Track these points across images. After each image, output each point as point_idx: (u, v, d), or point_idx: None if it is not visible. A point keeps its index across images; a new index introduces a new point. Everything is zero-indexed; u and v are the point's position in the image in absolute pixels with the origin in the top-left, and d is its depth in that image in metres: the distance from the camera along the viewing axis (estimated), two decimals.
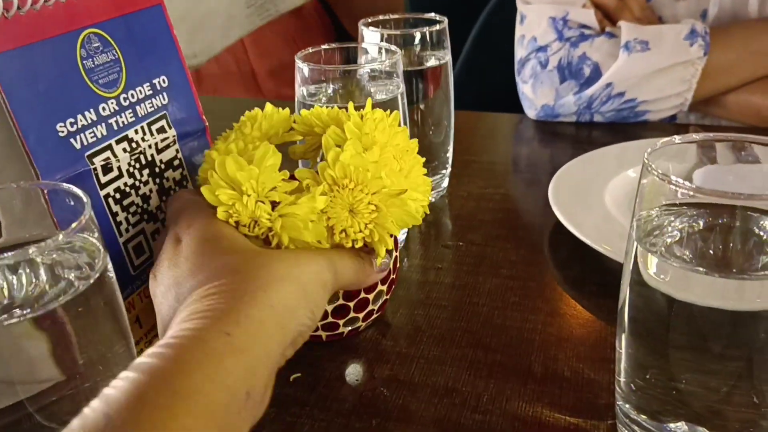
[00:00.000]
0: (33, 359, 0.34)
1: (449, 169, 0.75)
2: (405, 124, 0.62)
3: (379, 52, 0.63)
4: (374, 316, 0.52)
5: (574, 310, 0.55)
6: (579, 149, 0.78)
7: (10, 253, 0.31)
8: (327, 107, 0.46)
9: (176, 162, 0.49)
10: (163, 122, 0.48)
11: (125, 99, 0.45)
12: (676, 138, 0.38)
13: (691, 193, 0.34)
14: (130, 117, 0.45)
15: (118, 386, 0.29)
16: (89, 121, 0.43)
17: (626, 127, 0.89)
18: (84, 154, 0.42)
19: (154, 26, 0.48)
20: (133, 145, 0.45)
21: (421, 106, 0.69)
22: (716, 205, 0.37)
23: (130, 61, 0.46)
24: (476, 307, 0.56)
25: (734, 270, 0.36)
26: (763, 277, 0.35)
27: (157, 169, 0.47)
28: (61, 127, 0.41)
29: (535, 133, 0.92)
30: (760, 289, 0.35)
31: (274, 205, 0.40)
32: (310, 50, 0.59)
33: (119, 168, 0.44)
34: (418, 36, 0.69)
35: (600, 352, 0.50)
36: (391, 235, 0.42)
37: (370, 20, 0.71)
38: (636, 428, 0.40)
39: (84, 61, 0.43)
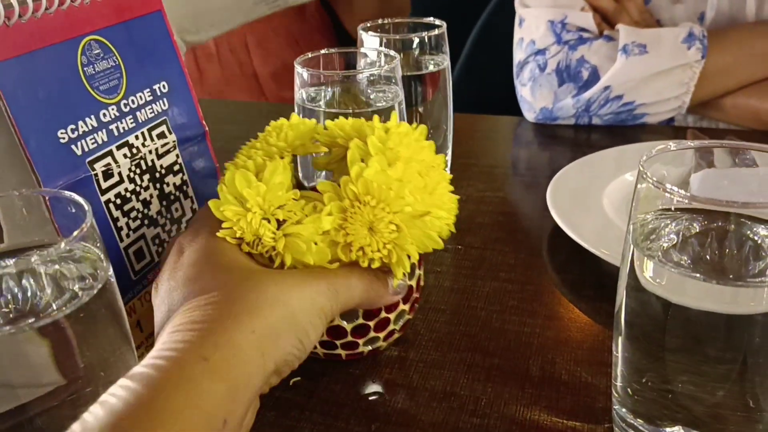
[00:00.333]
0: (34, 365, 0.34)
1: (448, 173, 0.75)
2: None
3: (378, 57, 0.63)
4: (395, 335, 0.50)
5: (572, 313, 0.55)
6: (577, 152, 0.78)
7: (11, 261, 0.32)
8: (332, 113, 0.45)
9: (176, 167, 0.49)
10: (163, 128, 0.48)
11: (126, 105, 0.45)
12: (671, 144, 0.38)
13: (687, 200, 0.34)
14: (131, 123, 0.46)
15: (93, 411, 0.29)
16: (90, 128, 0.43)
17: (624, 129, 0.89)
18: (85, 160, 0.42)
19: (154, 32, 0.49)
20: (134, 150, 0.46)
21: (420, 110, 0.69)
22: (712, 210, 0.37)
23: (131, 67, 0.46)
24: (474, 310, 0.56)
25: (730, 276, 0.36)
26: (759, 284, 0.35)
27: (157, 175, 0.47)
28: (62, 133, 0.41)
29: (534, 136, 0.92)
30: (755, 294, 0.35)
31: (282, 223, 0.40)
32: (309, 55, 0.60)
33: (120, 174, 0.45)
34: (416, 40, 0.69)
35: (597, 356, 0.50)
36: (409, 257, 0.40)
37: (369, 25, 0.71)
38: None
39: (85, 68, 0.43)
